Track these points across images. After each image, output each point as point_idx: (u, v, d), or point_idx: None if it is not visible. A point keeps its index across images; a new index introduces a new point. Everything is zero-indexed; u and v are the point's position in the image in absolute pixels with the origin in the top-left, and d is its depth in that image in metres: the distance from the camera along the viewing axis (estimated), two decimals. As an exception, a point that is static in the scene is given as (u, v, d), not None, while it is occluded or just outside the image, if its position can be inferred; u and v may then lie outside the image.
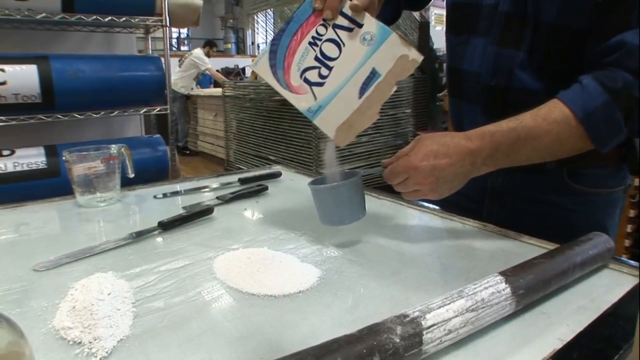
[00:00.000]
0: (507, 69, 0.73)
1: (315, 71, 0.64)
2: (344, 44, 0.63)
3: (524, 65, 0.72)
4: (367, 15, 0.63)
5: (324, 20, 0.63)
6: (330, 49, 0.64)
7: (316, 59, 0.64)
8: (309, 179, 0.78)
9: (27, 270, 0.61)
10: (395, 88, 0.63)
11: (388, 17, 0.91)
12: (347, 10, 0.63)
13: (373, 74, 0.62)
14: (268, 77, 0.66)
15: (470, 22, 0.79)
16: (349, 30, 0.63)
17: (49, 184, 1.78)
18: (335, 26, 0.63)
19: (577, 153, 0.66)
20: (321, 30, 0.64)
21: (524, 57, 0.72)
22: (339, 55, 0.63)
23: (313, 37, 0.64)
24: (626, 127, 0.62)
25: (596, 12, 0.65)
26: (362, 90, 0.63)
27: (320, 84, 0.64)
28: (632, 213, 2.10)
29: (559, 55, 0.71)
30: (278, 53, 0.65)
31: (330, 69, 0.64)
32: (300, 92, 0.65)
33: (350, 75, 0.63)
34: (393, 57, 0.61)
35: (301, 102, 0.65)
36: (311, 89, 0.64)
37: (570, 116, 0.62)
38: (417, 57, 0.61)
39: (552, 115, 0.63)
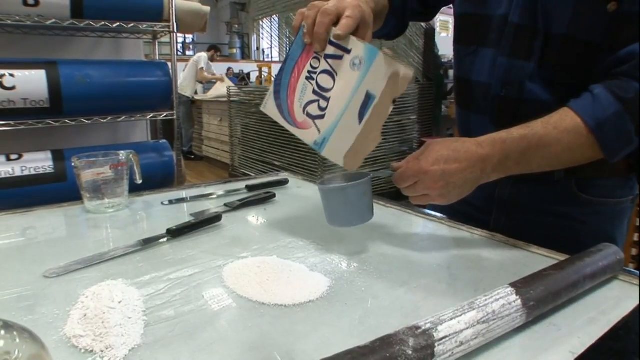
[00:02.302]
0: (518, 81, 0.73)
1: (315, 104, 0.65)
2: (336, 73, 0.64)
3: (535, 76, 0.72)
4: (353, 39, 0.63)
5: (315, 53, 0.65)
6: (325, 80, 0.65)
7: (314, 92, 0.65)
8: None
9: (38, 277, 0.61)
10: (392, 107, 0.63)
11: (393, 29, 0.91)
12: (333, 38, 0.64)
13: (368, 98, 0.63)
14: (277, 118, 0.69)
15: (480, 33, 0.79)
16: (339, 58, 0.64)
17: (55, 189, 1.79)
18: (326, 57, 0.64)
19: (587, 162, 0.66)
20: (315, 63, 0.65)
21: (534, 68, 0.72)
22: (333, 85, 0.64)
23: (309, 72, 0.66)
24: (637, 138, 0.62)
25: (608, 23, 0.65)
26: (361, 115, 0.63)
27: (321, 117, 0.65)
28: (639, 222, 2.08)
29: (569, 67, 0.71)
30: (281, 93, 0.67)
31: (327, 100, 0.65)
32: (305, 127, 0.66)
33: (347, 103, 0.64)
34: (384, 77, 0.62)
35: (308, 136, 0.66)
36: (314, 123, 0.66)
37: (581, 125, 0.62)
38: (407, 73, 0.62)
39: (563, 124, 0.63)
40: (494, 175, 0.64)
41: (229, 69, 8.82)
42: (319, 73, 0.65)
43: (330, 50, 0.64)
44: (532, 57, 0.72)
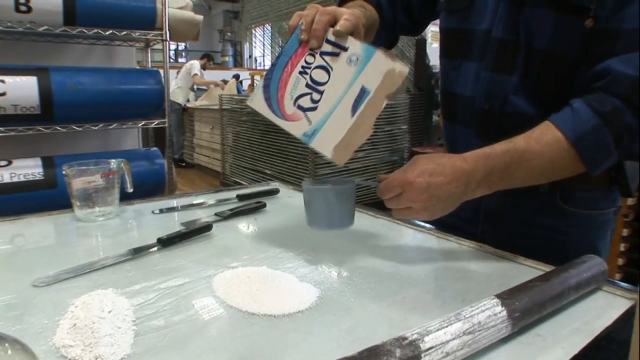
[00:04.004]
0: (501, 94, 0.75)
1: (308, 97, 0.66)
2: (332, 68, 0.66)
3: (517, 90, 0.74)
4: (351, 38, 0.65)
5: (311, 49, 0.66)
6: (319, 75, 0.66)
7: (307, 85, 0.66)
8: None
9: (27, 286, 0.61)
10: (386, 102, 0.64)
11: (384, 42, 0.93)
12: (331, 37, 0.65)
13: (363, 92, 0.64)
14: (264, 110, 0.69)
15: (464, 47, 0.81)
16: (336, 55, 0.65)
17: (45, 196, 1.78)
18: (322, 53, 0.66)
19: (569, 175, 0.67)
20: (309, 59, 0.66)
21: (517, 82, 0.74)
22: (328, 80, 0.66)
23: (302, 67, 0.67)
24: (616, 150, 0.64)
25: (585, 39, 0.67)
26: (354, 108, 0.64)
27: (314, 109, 0.66)
28: (625, 232, 2.11)
29: (551, 81, 0.72)
30: (271, 87, 0.68)
31: (321, 93, 0.66)
32: (295, 119, 0.67)
33: (341, 96, 0.65)
34: (380, 73, 0.63)
35: (297, 128, 0.67)
36: (305, 115, 0.66)
37: (562, 139, 0.64)
38: (402, 69, 0.63)
39: (544, 138, 0.64)
40: (478, 190, 0.65)
41: (235, 75, 8.82)
42: (314, 68, 0.66)
43: (326, 48, 0.66)
44: (515, 71, 0.73)
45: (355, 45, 0.65)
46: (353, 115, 0.64)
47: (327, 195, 0.70)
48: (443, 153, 0.68)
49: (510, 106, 0.75)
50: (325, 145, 0.66)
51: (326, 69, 0.66)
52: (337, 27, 0.65)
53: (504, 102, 0.75)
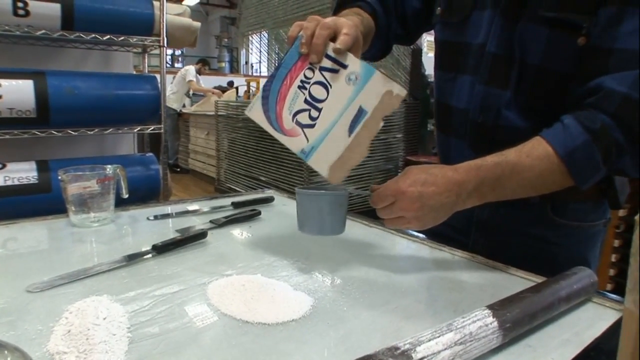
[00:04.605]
0: (495, 108, 0.76)
1: (306, 113, 0.67)
2: (330, 86, 0.66)
3: (511, 104, 0.75)
4: (351, 55, 0.66)
5: (310, 64, 0.66)
6: (318, 91, 0.66)
7: (306, 101, 0.67)
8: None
9: (21, 291, 0.61)
10: (382, 123, 0.65)
11: (378, 51, 0.94)
12: (331, 52, 0.66)
13: (360, 112, 0.65)
14: (262, 123, 0.69)
15: (459, 60, 0.82)
16: (335, 71, 0.66)
17: (39, 200, 1.78)
18: (321, 69, 0.66)
19: (559, 189, 0.68)
20: (309, 73, 0.67)
21: (510, 96, 0.75)
22: (327, 97, 0.66)
23: (302, 81, 0.67)
24: (605, 166, 0.65)
25: (578, 56, 0.69)
26: (351, 128, 0.65)
27: (311, 126, 0.67)
28: (616, 243, 2.13)
29: (544, 96, 0.74)
30: (270, 99, 0.68)
31: (319, 110, 0.66)
32: (293, 134, 0.68)
33: (338, 115, 0.65)
34: (378, 94, 0.64)
35: (294, 144, 0.67)
36: (303, 131, 0.67)
37: (552, 153, 0.65)
38: (400, 91, 0.64)
39: (535, 152, 0.65)
40: (469, 201, 0.66)
41: (229, 82, 8.83)
42: (313, 84, 0.66)
43: (326, 63, 0.66)
44: (509, 85, 0.75)
45: (354, 64, 0.65)
46: (350, 135, 0.65)
47: (320, 203, 0.71)
48: (435, 164, 0.69)
49: (503, 120, 0.76)
50: (322, 164, 0.66)
51: (325, 86, 0.66)
52: (337, 45, 0.65)
53: (497, 116, 0.76)
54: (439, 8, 0.85)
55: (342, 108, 0.65)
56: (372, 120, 0.65)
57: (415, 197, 0.63)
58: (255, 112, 0.70)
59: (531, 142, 0.67)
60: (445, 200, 0.64)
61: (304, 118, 0.67)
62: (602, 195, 0.79)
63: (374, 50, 0.91)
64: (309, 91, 0.67)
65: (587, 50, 0.68)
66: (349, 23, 0.68)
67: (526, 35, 0.72)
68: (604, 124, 0.63)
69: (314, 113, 0.66)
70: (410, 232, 0.89)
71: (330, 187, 0.75)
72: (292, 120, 0.67)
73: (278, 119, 0.68)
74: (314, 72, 0.66)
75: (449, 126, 0.86)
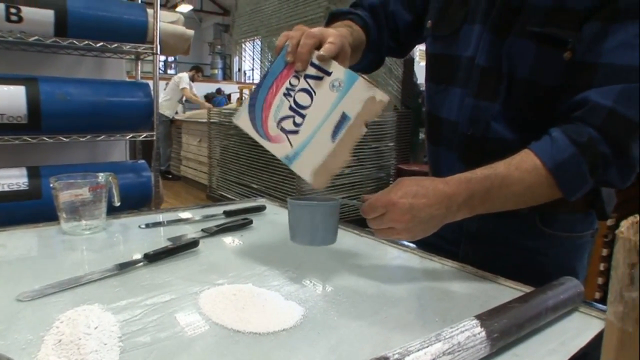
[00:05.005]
0: (484, 120, 0.78)
1: (290, 120, 0.68)
2: (315, 92, 0.67)
3: (500, 117, 0.76)
4: (335, 63, 0.67)
5: (296, 72, 0.68)
6: (303, 98, 0.68)
7: (290, 108, 0.68)
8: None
9: (11, 300, 0.61)
10: (365, 130, 0.66)
11: (371, 63, 0.96)
12: (315, 60, 0.67)
13: (343, 118, 0.66)
14: (248, 129, 0.71)
15: (449, 73, 0.83)
16: (319, 79, 0.67)
17: (29, 206, 1.76)
18: (306, 76, 0.67)
19: (547, 201, 0.70)
20: (294, 81, 0.68)
21: (499, 109, 0.76)
22: (311, 103, 0.67)
23: (287, 89, 0.68)
24: (592, 178, 0.67)
25: (564, 70, 0.70)
26: (335, 134, 0.66)
27: (295, 132, 0.68)
28: (604, 252, 2.15)
29: (532, 109, 0.75)
30: (256, 106, 0.70)
31: (303, 116, 0.67)
32: (278, 141, 0.69)
33: (322, 121, 0.66)
34: (361, 100, 0.65)
35: (279, 150, 0.69)
36: (287, 137, 0.68)
37: (540, 166, 0.66)
38: (383, 98, 0.65)
39: (524, 165, 0.67)
40: (459, 214, 0.67)
41: (218, 89, 8.87)
42: (297, 91, 0.68)
43: (311, 71, 0.67)
44: (497, 98, 0.76)
45: (338, 71, 0.66)
46: (333, 140, 0.66)
47: (312, 214, 0.72)
48: (427, 176, 0.70)
49: (492, 132, 0.77)
50: (305, 169, 0.67)
51: (309, 93, 0.67)
52: (321, 52, 0.66)
53: (487, 128, 0.77)
54: (429, 21, 0.87)
55: (326, 114, 0.66)
56: (355, 126, 0.66)
57: (406, 209, 0.64)
58: (242, 120, 0.71)
59: (520, 155, 0.68)
60: (435, 213, 0.65)
61: (288, 124, 0.68)
62: (590, 206, 0.81)
63: (366, 62, 0.92)
64: (294, 98, 0.68)
65: (573, 65, 0.69)
66: (335, 33, 0.69)
67: (514, 49, 0.74)
68: (590, 137, 0.65)
69: (298, 119, 0.68)
70: (401, 242, 0.90)
71: (321, 197, 0.75)
72: (277, 127, 0.69)
73: (263, 125, 0.70)
74: (299, 80, 0.68)
75: (439, 138, 0.87)
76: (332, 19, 0.90)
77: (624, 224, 0.32)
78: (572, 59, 0.69)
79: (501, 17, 0.74)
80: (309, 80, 0.67)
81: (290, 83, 0.68)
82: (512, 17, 0.73)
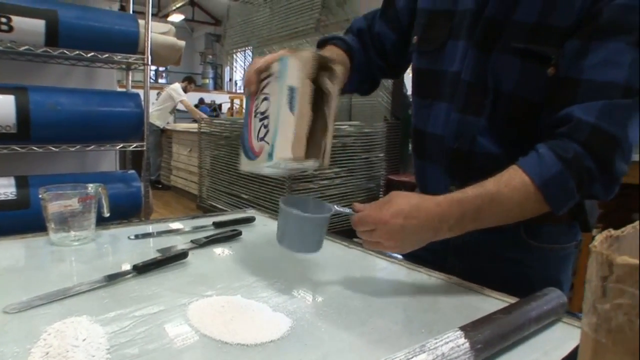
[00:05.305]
0: (470, 135, 0.79)
1: (264, 128, 0.73)
2: (269, 94, 0.73)
3: (485, 131, 0.78)
4: (273, 64, 0.73)
5: (255, 95, 0.76)
6: (264, 106, 0.73)
7: (260, 120, 0.74)
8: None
9: (-2, 312, 0.60)
10: (312, 86, 0.70)
11: (362, 84, 0.99)
12: (263, 74, 0.75)
13: (291, 90, 0.69)
14: (249, 166, 0.77)
15: (435, 88, 0.85)
16: (268, 83, 0.74)
17: (17, 216, 1.74)
18: (261, 90, 0.75)
19: (535, 215, 0.71)
20: (256, 102, 0.76)
21: (485, 124, 0.78)
22: (269, 105, 0.72)
23: (255, 111, 0.76)
24: (578, 192, 0.68)
25: (549, 85, 0.72)
26: (291, 105, 0.69)
27: (267, 131, 0.72)
28: (591, 263, 2.18)
29: (517, 124, 0.77)
30: (244, 140, 0.78)
31: (267, 117, 0.72)
32: (260, 150, 0.73)
33: (278, 106, 0.70)
34: (297, 69, 0.69)
35: (263, 156, 0.72)
36: (264, 141, 0.72)
37: (529, 183, 0.68)
38: (307, 53, 0.70)
39: (512, 182, 0.68)
40: (450, 233, 0.69)
41: (200, 99, 8.88)
42: (260, 103, 0.74)
43: (262, 84, 0.74)
44: (483, 113, 0.78)
45: (274, 65, 0.72)
46: (293, 112, 0.69)
47: (303, 222, 0.72)
48: (420, 195, 0.71)
49: (478, 146, 0.79)
50: (284, 150, 0.69)
51: (267, 99, 0.73)
52: (257, 64, 0.73)
53: (472, 142, 0.79)
54: (415, 37, 0.89)
55: (278, 99, 0.70)
56: (304, 88, 0.69)
57: (397, 230, 0.66)
58: (243, 164, 0.78)
59: (508, 172, 0.69)
60: (425, 235, 0.67)
61: (262, 132, 0.73)
62: (573, 218, 0.82)
63: (354, 83, 0.94)
64: (260, 111, 0.74)
65: (557, 80, 0.71)
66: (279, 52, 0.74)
67: (499, 65, 0.75)
68: (576, 153, 0.67)
69: (265, 122, 0.72)
70: (390, 254, 0.90)
71: (314, 201, 0.77)
72: (258, 141, 0.73)
73: (251, 148, 0.75)
74: (257, 97, 0.75)
75: (425, 152, 0.89)
76: (319, 47, 0.94)
77: (598, 238, 0.33)
78: (555, 74, 0.71)
79: (486, 33, 0.76)
80: (264, 90, 0.74)
81: (255, 106, 0.75)
82: (497, 33, 0.75)
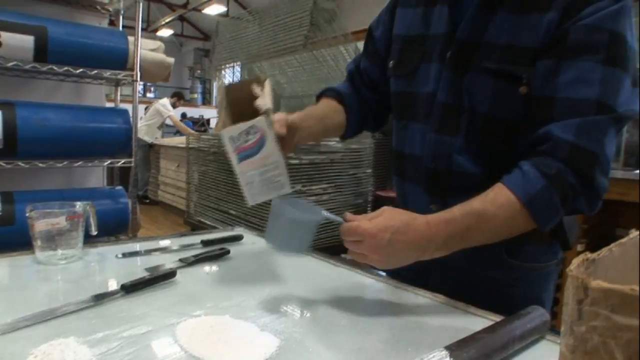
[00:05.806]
0: (446, 154, 0.81)
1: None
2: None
3: (462, 151, 0.80)
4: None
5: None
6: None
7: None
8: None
9: (-18, 334, 0.60)
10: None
11: (363, 124, 1.04)
12: None
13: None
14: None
15: (411, 110, 0.87)
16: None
17: (1, 233, 1.72)
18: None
19: (521, 232, 0.73)
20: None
21: (461, 143, 0.80)
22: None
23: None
24: (563, 208, 0.70)
25: (523, 104, 0.74)
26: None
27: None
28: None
29: (494, 142, 0.79)
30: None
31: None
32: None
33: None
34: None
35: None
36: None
37: (514, 200, 0.69)
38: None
39: (498, 200, 0.70)
40: (436, 253, 0.70)
41: (183, 114, 8.88)
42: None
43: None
44: (459, 132, 0.80)
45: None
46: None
47: (294, 225, 0.73)
48: (411, 213, 0.72)
49: (456, 165, 0.81)
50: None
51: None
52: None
53: (450, 162, 0.81)
54: (391, 62, 0.92)
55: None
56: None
57: (384, 244, 0.67)
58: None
59: (494, 190, 0.71)
60: (412, 253, 0.69)
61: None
62: (553, 237, 0.84)
63: (355, 125, 1.00)
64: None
65: (531, 99, 0.74)
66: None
67: (473, 85, 0.78)
68: (559, 170, 0.69)
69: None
70: (376, 272, 0.91)
71: (306, 204, 0.78)
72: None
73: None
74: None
75: (404, 172, 0.91)
76: (316, 100, 1.00)
77: (575, 262, 0.34)
78: (528, 93, 0.73)
79: (459, 55, 0.79)
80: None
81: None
82: (469, 54, 0.77)
